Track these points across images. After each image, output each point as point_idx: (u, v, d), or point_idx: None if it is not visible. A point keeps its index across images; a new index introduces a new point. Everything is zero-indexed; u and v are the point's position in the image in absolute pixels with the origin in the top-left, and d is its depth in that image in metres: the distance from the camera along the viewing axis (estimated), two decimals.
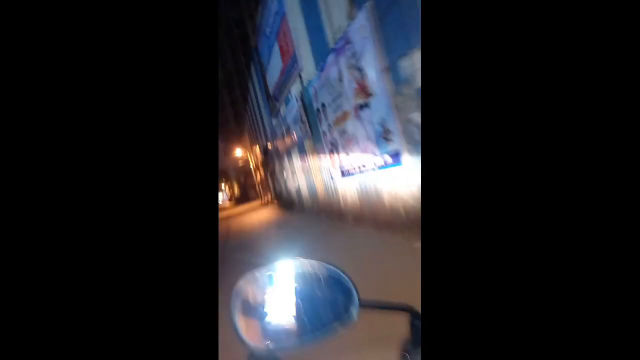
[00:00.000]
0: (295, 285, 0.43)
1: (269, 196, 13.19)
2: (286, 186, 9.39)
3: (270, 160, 10.82)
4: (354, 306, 0.41)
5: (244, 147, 16.05)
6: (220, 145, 22.95)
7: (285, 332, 0.42)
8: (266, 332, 0.42)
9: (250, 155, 15.38)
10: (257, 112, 10.76)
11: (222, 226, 10.02)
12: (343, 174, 4.74)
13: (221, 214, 15.09)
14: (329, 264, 0.44)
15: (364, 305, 0.42)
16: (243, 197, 22.51)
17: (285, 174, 9.08)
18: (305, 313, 0.42)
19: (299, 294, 0.43)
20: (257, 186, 16.56)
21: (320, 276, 0.44)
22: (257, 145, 12.33)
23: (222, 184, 28.61)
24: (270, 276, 0.44)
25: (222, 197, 30.29)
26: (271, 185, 12.21)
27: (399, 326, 0.44)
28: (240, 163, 17.77)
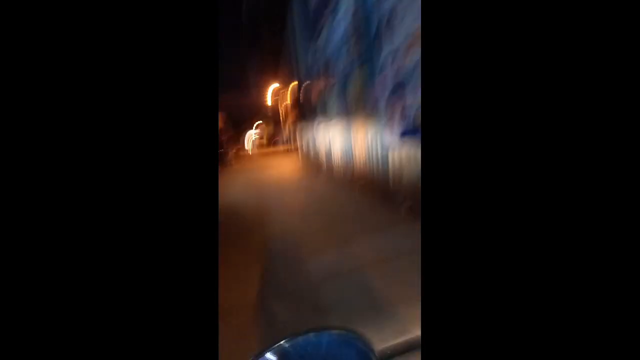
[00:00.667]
0: None
1: (295, 151, 11.56)
2: (314, 140, 7.60)
3: (300, 103, 8.90)
4: None
5: (275, 85, 14.04)
6: (252, 83, 21.22)
7: None
8: None
9: (280, 97, 13.49)
10: (295, 38, 8.58)
11: (236, 179, 8.76)
12: (405, 132, 2.86)
13: (238, 166, 14.02)
14: (344, 331, 0.43)
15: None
16: (269, 148, 21.42)
17: (315, 124, 7.22)
18: None
19: None
20: (283, 137, 14.91)
21: (336, 353, 0.42)
22: (290, 84, 10.35)
23: (250, 131, 27.86)
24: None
25: (248, 145, 30.34)
26: (298, 138, 10.48)
27: None
28: (271, 105, 15.91)
